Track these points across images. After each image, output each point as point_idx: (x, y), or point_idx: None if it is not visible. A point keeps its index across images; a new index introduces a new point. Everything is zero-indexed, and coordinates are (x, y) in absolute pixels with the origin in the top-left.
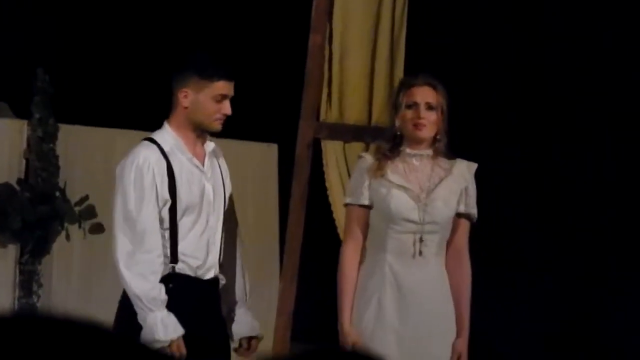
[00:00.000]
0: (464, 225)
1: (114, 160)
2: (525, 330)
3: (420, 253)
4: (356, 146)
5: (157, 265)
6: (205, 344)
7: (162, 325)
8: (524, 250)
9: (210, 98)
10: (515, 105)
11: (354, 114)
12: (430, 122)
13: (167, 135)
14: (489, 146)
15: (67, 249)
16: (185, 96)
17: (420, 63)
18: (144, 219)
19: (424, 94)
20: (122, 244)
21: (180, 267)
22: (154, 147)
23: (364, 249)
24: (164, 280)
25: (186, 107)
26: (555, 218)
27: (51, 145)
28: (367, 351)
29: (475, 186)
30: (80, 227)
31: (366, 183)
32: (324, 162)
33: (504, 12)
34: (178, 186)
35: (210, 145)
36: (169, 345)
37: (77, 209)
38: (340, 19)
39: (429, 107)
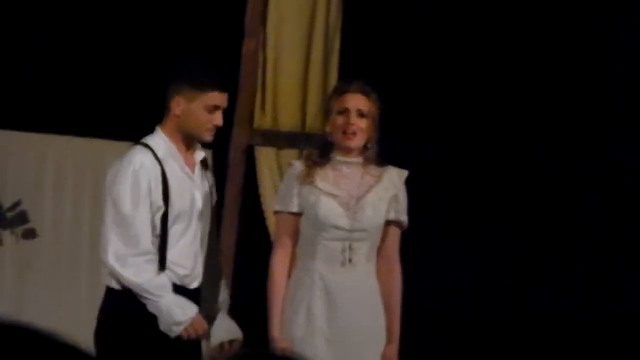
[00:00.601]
0: (394, 233)
1: (47, 165)
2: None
3: (350, 260)
4: (290, 153)
5: (151, 266)
6: (179, 355)
7: (178, 307)
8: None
9: (202, 108)
10: (450, 111)
11: (287, 120)
12: (360, 130)
13: (160, 140)
14: (423, 150)
15: None
16: (178, 104)
17: (355, 69)
18: (138, 223)
19: (356, 101)
20: (115, 247)
21: (167, 275)
22: (149, 152)
23: (294, 256)
24: None
25: (178, 115)
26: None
27: None
28: (297, 356)
29: (405, 193)
30: (12, 232)
31: (295, 190)
32: (257, 168)
33: (441, 17)
34: (171, 193)
35: (200, 154)
36: (191, 324)
37: (9, 214)
38: (275, 25)
39: (360, 114)
